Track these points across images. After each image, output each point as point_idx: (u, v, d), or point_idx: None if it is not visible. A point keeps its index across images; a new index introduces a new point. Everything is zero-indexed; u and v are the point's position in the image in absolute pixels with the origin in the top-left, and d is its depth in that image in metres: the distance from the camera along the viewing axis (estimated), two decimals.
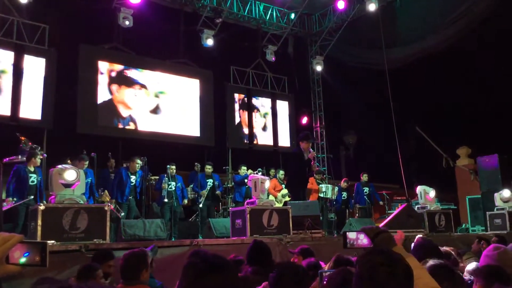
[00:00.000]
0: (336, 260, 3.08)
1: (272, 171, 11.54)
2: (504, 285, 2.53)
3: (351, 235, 2.00)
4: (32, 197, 7.63)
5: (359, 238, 1.98)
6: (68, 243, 5.39)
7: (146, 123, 12.81)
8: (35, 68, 11.07)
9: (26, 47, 11.00)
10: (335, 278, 2.35)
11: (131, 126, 12.56)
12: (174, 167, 9.81)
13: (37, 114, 10.97)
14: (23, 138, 8.19)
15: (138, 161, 9.25)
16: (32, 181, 7.80)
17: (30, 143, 8.17)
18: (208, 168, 10.58)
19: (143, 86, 12.95)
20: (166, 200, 9.55)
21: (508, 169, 11.56)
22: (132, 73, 12.84)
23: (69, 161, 8.21)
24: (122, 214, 8.55)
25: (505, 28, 12.95)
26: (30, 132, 9.19)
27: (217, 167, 11.98)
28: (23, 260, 1.24)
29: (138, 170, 9.29)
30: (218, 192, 10.69)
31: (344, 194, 12.30)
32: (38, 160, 7.88)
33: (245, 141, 14.65)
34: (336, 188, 11.26)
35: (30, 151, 7.90)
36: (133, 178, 9.13)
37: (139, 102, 12.80)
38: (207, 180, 10.45)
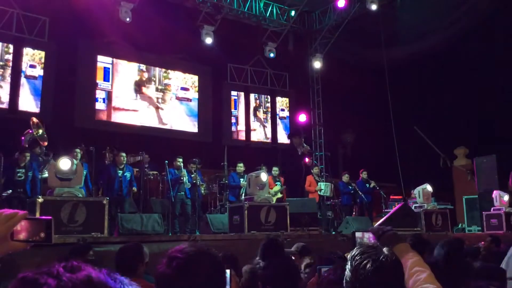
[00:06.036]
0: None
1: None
2: None
3: (359, 234, 2.08)
4: (11, 191, 7.55)
5: (366, 237, 2.04)
6: (66, 236, 5.40)
7: (144, 118, 12.79)
8: (34, 60, 11.04)
9: (25, 40, 10.97)
10: (333, 273, 2.36)
11: (129, 121, 12.54)
12: (181, 159, 9.55)
13: (35, 107, 10.95)
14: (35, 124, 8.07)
15: (123, 154, 8.98)
16: (20, 176, 7.75)
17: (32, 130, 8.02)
18: (192, 167, 10.00)
19: (141, 81, 12.94)
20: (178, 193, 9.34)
21: (505, 170, 11.58)
22: (130, 68, 12.82)
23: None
24: None
25: (505, 26, 12.96)
26: (29, 125, 9.15)
27: (215, 163, 11.95)
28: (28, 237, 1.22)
29: (127, 164, 9.07)
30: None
31: (351, 187, 11.48)
32: (25, 157, 7.79)
33: (243, 138, 14.66)
34: (331, 185, 10.99)
35: (20, 148, 7.86)
36: (120, 173, 8.89)
37: (137, 97, 12.79)
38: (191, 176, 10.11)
